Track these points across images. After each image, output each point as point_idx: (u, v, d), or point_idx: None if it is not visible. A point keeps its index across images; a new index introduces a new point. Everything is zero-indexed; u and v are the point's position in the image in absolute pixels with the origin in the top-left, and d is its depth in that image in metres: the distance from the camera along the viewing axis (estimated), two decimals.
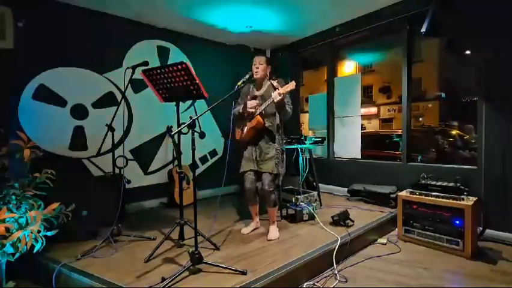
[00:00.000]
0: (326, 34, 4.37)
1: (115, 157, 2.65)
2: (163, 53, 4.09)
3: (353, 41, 4.51)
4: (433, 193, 2.74)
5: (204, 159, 4.60)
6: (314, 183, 3.86)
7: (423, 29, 2.83)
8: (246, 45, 4.89)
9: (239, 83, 2.48)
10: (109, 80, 3.60)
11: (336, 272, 2.21)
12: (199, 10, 3.55)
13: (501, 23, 2.76)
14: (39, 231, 1.87)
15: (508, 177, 2.78)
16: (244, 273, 1.92)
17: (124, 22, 3.69)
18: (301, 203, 3.13)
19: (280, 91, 2.36)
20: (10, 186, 2.05)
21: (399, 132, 4.75)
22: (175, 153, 4.11)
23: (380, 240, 2.88)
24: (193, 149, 2.01)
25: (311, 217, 3.07)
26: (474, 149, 3.47)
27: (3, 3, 2.85)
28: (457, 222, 2.53)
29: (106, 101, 3.55)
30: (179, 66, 2.12)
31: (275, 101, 2.37)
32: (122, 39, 3.69)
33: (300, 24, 4.14)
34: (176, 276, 1.85)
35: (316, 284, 2.08)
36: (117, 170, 2.77)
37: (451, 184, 2.73)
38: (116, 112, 2.52)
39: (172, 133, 1.94)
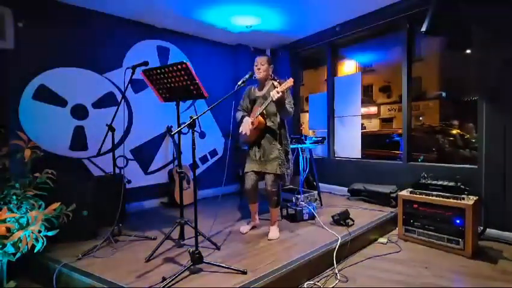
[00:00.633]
0: (326, 34, 4.36)
1: (116, 157, 2.66)
2: (163, 53, 4.09)
3: (353, 41, 4.51)
4: (434, 192, 2.74)
5: (204, 159, 4.60)
6: (314, 183, 3.86)
7: (423, 28, 2.82)
8: (246, 45, 4.89)
9: (239, 83, 2.48)
10: (109, 80, 3.60)
11: (337, 272, 2.21)
12: (199, 10, 3.55)
13: (502, 22, 2.76)
14: (40, 231, 1.87)
15: (508, 177, 2.77)
16: (244, 272, 1.92)
17: (124, 22, 3.70)
18: (301, 203, 3.13)
19: (278, 89, 2.35)
20: (11, 186, 2.05)
21: (400, 131, 4.75)
22: (175, 153, 4.12)
23: (380, 240, 2.88)
24: (194, 149, 2.01)
25: (311, 217, 3.07)
26: (474, 148, 3.46)
27: (3, 3, 2.85)
28: (458, 221, 2.53)
29: (106, 101, 3.55)
30: (179, 66, 2.12)
31: (274, 99, 2.36)
32: (122, 39, 3.69)
33: (300, 24, 4.13)
34: (177, 276, 1.85)
35: (316, 283, 2.08)
36: (117, 170, 2.77)
37: (452, 183, 2.73)
38: (116, 112, 2.52)
39: (172, 133, 1.95)
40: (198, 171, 4.45)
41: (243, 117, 2.66)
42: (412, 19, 3.51)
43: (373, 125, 16.12)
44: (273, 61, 2.71)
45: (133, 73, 2.49)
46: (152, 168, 4.01)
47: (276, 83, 2.52)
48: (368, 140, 6.27)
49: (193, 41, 4.38)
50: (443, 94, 13.22)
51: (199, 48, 4.45)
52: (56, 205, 2.00)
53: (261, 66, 2.58)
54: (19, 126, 2.93)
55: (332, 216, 2.92)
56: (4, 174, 2.15)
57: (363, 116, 14.43)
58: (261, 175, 2.62)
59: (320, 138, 3.70)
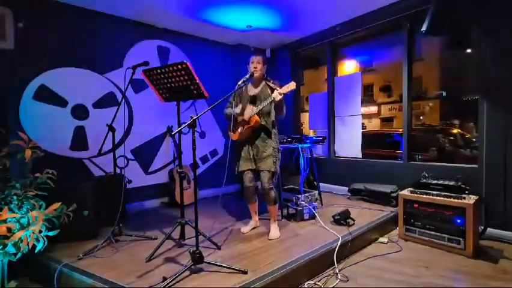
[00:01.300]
0: (326, 33, 4.36)
1: (116, 157, 2.66)
2: (163, 53, 4.09)
3: (353, 40, 4.50)
4: (434, 192, 2.74)
5: (204, 159, 4.60)
6: (315, 183, 3.86)
7: (424, 28, 2.82)
8: (247, 45, 4.89)
9: (239, 83, 2.49)
10: (110, 80, 3.60)
11: (337, 271, 2.21)
12: (199, 10, 3.55)
13: (502, 22, 2.76)
14: (40, 231, 1.88)
15: (509, 176, 2.77)
16: (245, 272, 1.93)
17: (124, 22, 3.70)
18: (302, 202, 3.13)
19: (280, 91, 2.38)
20: (11, 187, 2.05)
21: (400, 131, 4.74)
22: (175, 153, 4.12)
23: (381, 239, 2.88)
24: (194, 149, 2.01)
25: (312, 216, 3.07)
26: (475, 148, 3.46)
27: (3, 4, 2.86)
28: (458, 221, 2.52)
29: (107, 101, 3.55)
30: (179, 66, 2.13)
31: (276, 100, 2.40)
32: (122, 39, 3.69)
33: (301, 24, 4.13)
34: (178, 276, 1.85)
35: (317, 283, 2.08)
36: (118, 170, 2.77)
37: (452, 183, 2.72)
38: (116, 112, 2.53)
39: (173, 133, 1.95)
40: (198, 171, 4.45)
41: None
42: (412, 19, 3.50)
43: (373, 125, 16.14)
44: (273, 61, 2.72)
45: (133, 73, 2.50)
46: (152, 168, 4.01)
47: (271, 84, 2.55)
48: (369, 139, 6.26)
49: (193, 41, 4.39)
50: (444, 93, 13.21)
51: (199, 48, 4.45)
52: (56, 205, 2.00)
53: (257, 65, 2.59)
54: (20, 127, 2.94)
55: (333, 216, 2.92)
56: (5, 175, 2.15)
57: (364, 116, 14.41)
58: (256, 173, 2.63)
59: (320, 138, 3.70)
